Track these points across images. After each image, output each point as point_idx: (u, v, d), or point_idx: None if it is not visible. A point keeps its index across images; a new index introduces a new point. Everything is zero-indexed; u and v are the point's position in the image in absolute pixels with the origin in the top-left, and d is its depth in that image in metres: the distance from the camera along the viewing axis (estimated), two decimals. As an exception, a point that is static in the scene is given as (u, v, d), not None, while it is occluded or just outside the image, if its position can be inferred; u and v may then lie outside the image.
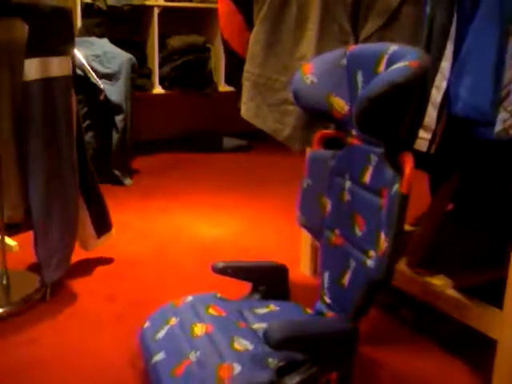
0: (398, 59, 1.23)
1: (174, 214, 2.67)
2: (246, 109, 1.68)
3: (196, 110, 3.99)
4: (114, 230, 2.10)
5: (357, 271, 1.36)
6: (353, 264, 1.37)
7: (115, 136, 2.98)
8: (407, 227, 1.96)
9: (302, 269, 2.09)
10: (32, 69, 1.64)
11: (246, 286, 1.59)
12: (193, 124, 3.99)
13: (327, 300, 1.48)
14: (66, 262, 1.84)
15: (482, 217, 1.82)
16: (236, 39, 1.77)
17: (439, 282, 1.60)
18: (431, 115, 1.45)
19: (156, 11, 3.40)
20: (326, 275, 1.49)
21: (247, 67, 1.67)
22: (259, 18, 1.64)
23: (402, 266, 1.72)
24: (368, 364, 1.54)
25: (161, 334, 1.42)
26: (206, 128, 3.95)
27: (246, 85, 1.67)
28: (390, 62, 1.26)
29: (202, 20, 3.75)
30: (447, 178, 1.74)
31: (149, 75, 3.48)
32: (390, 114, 1.22)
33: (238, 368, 1.23)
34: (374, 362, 1.55)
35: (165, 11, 3.46)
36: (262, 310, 1.48)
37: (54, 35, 1.68)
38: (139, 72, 3.23)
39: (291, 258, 1.67)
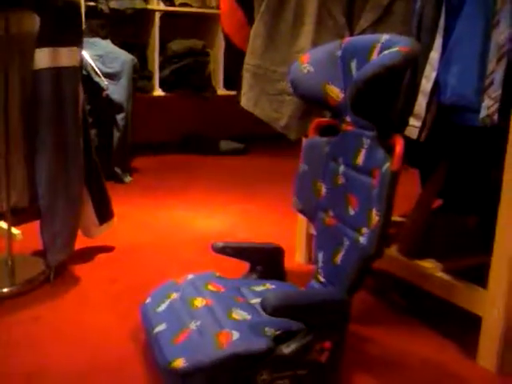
0: (389, 46, 1.32)
1: (172, 209, 2.74)
2: (246, 99, 1.76)
3: (194, 112, 4.07)
4: (115, 219, 2.17)
5: (349, 249, 1.43)
6: (346, 242, 1.45)
7: (116, 134, 3.06)
8: (398, 218, 2.04)
9: (297, 258, 2.16)
10: (42, 58, 1.72)
11: (243, 271, 1.67)
12: (191, 126, 4.08)
13: (321, 279, 1.55)
14: (70, 246, 1.91)
15: (470, 203, 1.90)
16: (237, 34, 1.86)
17: (429, 265, 1.67)
18: (421, 104, 1.53)
19: (157, 15, 3.50)
20: (320, 255, 1.56)
21: (247, 59, 1.75)
22: (260, 12, 1.73)
23: (393, 251, 1.79)
24: (359, 341, 1.60)
25: (162, 308, 1.49)
26: (204, 131, 4.03)
27: (246, 76, 1.75)
28: (383, 50, 1.34)
29: (201, 25, 3.85)
30: (436, 168, 1.82)
31: (149, 77, 3.57)
32: (381, 96, 1.31)
33: (236, 335, 1.30)
34: (364, 340, 1.62)
35: (166, 15, 3.56)
36: (258, 288, 1.56)
37: (64, 27, 1.76)
38: (140, 74, 3.31)
39: (286, 249, 1.75)
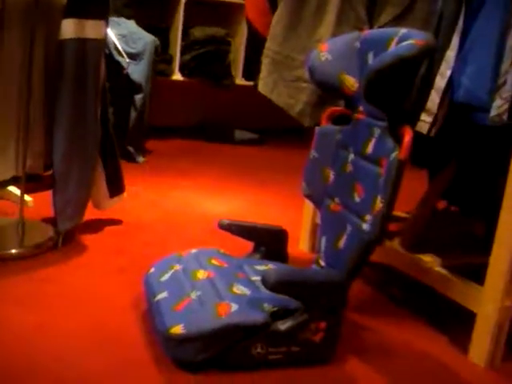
0: (406, 39, 1.35)
1: (182, 190, 2.78)
2: (264, 84, 1.79)
3: (212, 100, 4.11)
4: (126, 193, 2.21)
5: (352, 235, 1.46)
6: (349, 228, 1.48)
7: (133, 114, 3.10)
8: (402, 214, 2.07)
9: (300, 246, 2.20)
10: (68, 28, 1.76)
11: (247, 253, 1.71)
12: (207, 113, 4.12)
13: (322, 263, 1.59)
14: (80, 214, 1.95)
15: (477, 204, 1.93)
16: (259, 20, 1.90)
17: (428, 259, 1.70)
18: (434, 100, 1.56)
19: (183, 0, 3.54)
20: (324, 239, 1.60)
21: (268, 45, 1.79)
22: (283, 0, 1.77)
23: (394, 244, 1.83)
24: (354, 328, 1.64)
25: (165, 277, 1.53)
26: (220, 119, 4.07)
27: (265, 61, 1.79)
28: (399, 42, 1.37)
29: (225, 14, 3.89)
30: (444, 167, 1.85)
31: (169, 61, 3.61)
32: (394, 86, 1.34)
33: (235, 307, 1.34)
34: (359, 327, 1.65)
35: (191, 1, 3.59)
36: (260, 267, 1.59)
37: (91, 0, 1.80)
38: (161, 57, 3.36)
39: (291, 237, 1.80)
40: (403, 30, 1.40)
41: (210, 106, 4.12)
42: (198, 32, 3.61)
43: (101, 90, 1.94)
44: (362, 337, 1.61)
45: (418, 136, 1.54)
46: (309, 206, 2.16)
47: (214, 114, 4.10)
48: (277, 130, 4.29)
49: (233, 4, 3.77)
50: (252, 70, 3.76)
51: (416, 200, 1.95)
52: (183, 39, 3.62)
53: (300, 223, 2.23)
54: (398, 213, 2.07)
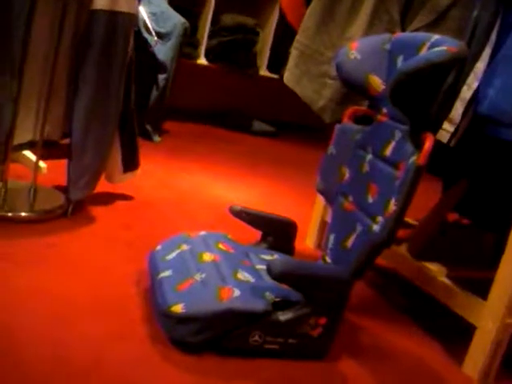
0: (438, 45, 1.35)
1: (195, 173, 2.79)
2: (290, 74, 1.80)
3: (233, 88, 4.10)
4: (139, 170, 2.22)
5: (361, 234, 1.46)
6: (359, 228, 1.48)
7: (155, 93, 3.10)
8: (411, 221, 2.06)
9: (307, 242, 2.20)
10: (101, -1, 1.77)
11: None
12: (227, 101, 4.11)
13: (328, 260, 1.59)
14: (92, 185, 1.96)
15: (489, 218, 1.92)
16: (293, 12, 1.90)
17: (434, 268, 1.70)
18: (458, 110, 1.56)
19: (216, -14, 3.55)
20: (332, 237, 1.59)
21: (298, 37, 1.79)
22: (318, -6, 1.77)
23: (401, 249, 1.82)
24: (352, 329, 1.64)
25: (171, 256, 1.54)
26: (239, 107, 4.07)
27: (294, 53, 1.79)
28: (430, 48, 1.37)
29: (257, 4, 3.87)
30: (459, 179, 1.85)
31: (196, 45, 3.61)
32: (420, 91, 1.34)
33: (237, 292, 1.35)
34: (357, 329, 1.65)
35: (224, -12, 3.60)
36: (266, 257, 1.60)
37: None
38: (188, 40, 3.35)
39: (299, 232, 1.80)
40: (436, 36, 1.40)
41: (232, 93, 4.12)
42: (227, 19, 3.61)
43: (127, 66, 1.94)
44: (359, 338, 1.61)
45: (437, 145, 1.54)
46: (320, 202, 2.16)
47: (235, 102, 4.10)
48: (294, 126, 4.28)
49: (266, -4, 3.77)
50: (277, 62, 3.76)
51: (428, 209, 1.95)
52: (212, 24, 3.62)
53: (309, 219, 2.23)
54: (408, 219, 2.07)
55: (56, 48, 1.84)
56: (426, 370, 1.53)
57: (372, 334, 1.65)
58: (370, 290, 1.93)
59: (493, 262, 1.61)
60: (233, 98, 4.12)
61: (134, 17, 1.88)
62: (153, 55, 3.02)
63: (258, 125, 3.93)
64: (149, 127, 3.15)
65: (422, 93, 1.35)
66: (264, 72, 3.90)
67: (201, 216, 2.26)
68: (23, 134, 1.95)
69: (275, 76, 3.86)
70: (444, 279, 1.66)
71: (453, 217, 2.08)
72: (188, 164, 2.93)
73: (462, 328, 1.57)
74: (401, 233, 1.91)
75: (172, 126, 3.59)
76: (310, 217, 2.23)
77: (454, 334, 1.73)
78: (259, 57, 3.85)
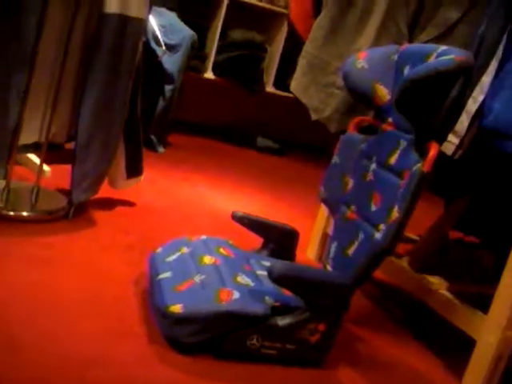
0: (445, 55, 1.35)
1: (197, 185, 2.79)
2: (297, 84, 1.80)
3: (239, 103, 4.12)
4: (142, 177, 2.22)
5: (363, 243, 1.46)
6: (361, 236, 1.48)
7: (161, 104, 3.12)
8: (412, 235, 2.06)
9: (308, 254, 2.19)
10: (113, 3, 1.78)
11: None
12: (233, 116, 4.13)
13: (329, 268, 1.58)
14: (95, 188, 1.96)
15: (491, 234, 1.91)
16: (301, 23, 1.91)
17: (435, 281, 1.69)
18: (463, 123, 1.56)
19: (226, 1, 3.57)
20: (334, 246, 1.59)
21: (306, 47, 1.81)
22: (328, 6, 1.78)
23: (402, 262, 1.81)
24: (351, 340, 1.62)
25: (171, 258, 1.53)
26: (245, 123, 4.08)
27: (302, 62, 1.80)
28: (438, 57, 1.38)
29: (266, 21, 3.91)
30: (462, 195, 1.84)
31: (203, 59, 3.63)
32: (426, 98, 1.34)
33: (236, 295, 1.34)
34: (356, 340, 1.63)
35: (233, 3, 3.62)
36: (267, 263, 1.59)
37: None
38: (196, 53, 3.37)
39: (299, 245, 1.80)
40: (443, 47, 1.41)
41: (237, 108, 4.14)
42: (236, 34, 3.64)
43: (135, 71, 1.95)
44: (356, 348, 1.59)
45: (439, 162, 1.53)
46: (322, 214, 2.15)
47: (240, 118, 4.12)
48: (298, 143, 4.29)
49: (274, 12, 3.79)
50: (284, 79, 3.78)
51: (429, 227, 1.94)
52: (220, 39, 3.65)
53: (309, 233, 2.22)
54: (409, 234, 2.06)
55: (65, 50, 1.85)
56: (424, 381, 1.51)
57: (370, 344, 1.63)
58: (368, 301, 1.91)
59: (493, 280, 1.60)
60: (238, 114, 4.13)
61: (144, 23, 1.90)
62: (160, 66, 3.04)
63: (262, 141, 3.94)
64: (153, 138, 3.16)
65: (427, 101, 1.35)
66: (270, 88, 3.93)
67: (202, 224, 2.26)
68: (29, 134, 1.95)
69: (282, 93, 3.88)
70: (445, 292, 1.65)
71: (456, 235, 2.08)
72: (191, 175, 2.93)
73: (461, 342, 1.56)
74: (401, 248, 1.91)
75: (176, 138, 3.60)
76: (311, 230, 2.22)
77: (453, 348, 1.71)
78: (266, 73, 3.88)
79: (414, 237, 2.05)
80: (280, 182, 3.32)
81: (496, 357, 1.45)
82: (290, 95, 3.76)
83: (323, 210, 2.12)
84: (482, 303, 1.54)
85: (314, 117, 1.89)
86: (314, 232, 2.19)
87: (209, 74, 3.68)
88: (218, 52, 3.67)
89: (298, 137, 4.26)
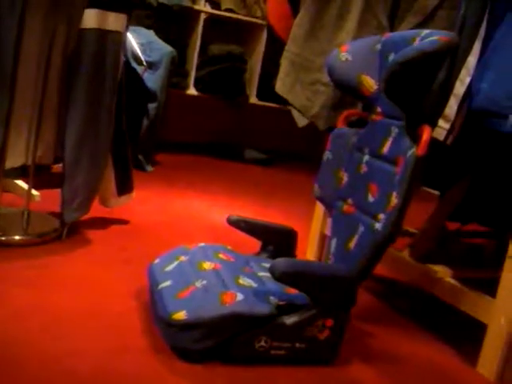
0: (429, 37, 1.34)
1: (189, 199, 2.76)
2: (282, 84, 1.79)
3: (224, 117, 4.11)
4: (134, 193, 2.19)
5: (364, 234, 1.43)
6: (361, 229, 1.46)
7: (145, 122, 3.10)
8: (412, 230, 2.04)
9: (308, 255, 2.16)
10: (90, 18, 1.77)
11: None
12: (218, 130, 4.12)
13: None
14: (87, 206, 1.93)
15: (490, 215, 1.90)
16: (280, 24, 1.91)
17: (440, 269, 1.67)
18: (452, 106, 1.55)
19: (202, 16, 3.57)
20: (334, 241, 1.56)
21: (288, 47, 1.80)
22: (306, 3, 1.78)
23: (403, 255, 1.79)
24: (360, 335, 1.59)
25: (170, 267, 1.50)
26: (230, 136, 4.07)
27: (284, 63, 1.79)
28: (422, 40, 1.37)
29: (244, 32, 3.92)
30: (458, 180, 1.83)
31: (185, 75, 3.63)
32: (415, 82, 1.33)
33: (240, 296, 1.31)
34: (364, 335, 1.60)
35: (210, 18, 3.63)
36: (267, 265, 1.55)
37: (113, -8, 1.82)
38: (176, 70, 3.37)
39: (298, 248, 1.78)
40: (426, 30, 1.40)
41: (222, 122, 4.13)
42: (215, 49, 3.64)
43: (117, 85, 1.93)
44: (366, 343, 1.56)
45: (430, 156, 1.51)
46: (319, 215, 2.12)
47: (226, 131, 4.11)
48: (285, 153, 4.28)
49: (252, 23, 3.81)
50: (266, 90, 3.77)
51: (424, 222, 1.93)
52: (200, 55, 3.65)
53: (307, 236, 2.19)
54: (407, 228, 2.04)
55: (46, 70, 1.83)
56: (439, 372, 1.48)
57: (380, 339, 1.60)
58: (372, 297, 1.89)
59: (495, 263, 1.58)
60: (223, 127, 4.13)
61: (122, 36, 1.88)
62: (142, 84, 3.02)
63: (249, 153, 3.93)
64: (140, 157, 3.13)
65: (416, 84, 1.34)
66: (254, 100, 3.92)
67: (198, 237, 2.22)
68: (15, 158, 1.92)
69: (265, 104, 3.88)
70: (451, 280, 1.62)
71: (455, 226, 2.06)
72: (182, 191, 2.90)
73: (469, 329, 1.53)
74: (400, 242, 1.89)
75: (164, 157, 3.58)
76: (307, 233, 2.19)
77: (462, 336, 1.68)
78: (248, 85, 3.88)
79: (413, 230, 2.03)
80: (271, 191, 3.30)
81: (509, 338, 1.43)
82: (274, 105, 3.80)
83: (319, 210, 2.10)
84: (489, 288, 1.52)
85: (300, 123, 1.88)
86: (311, 233, 2.16)
87: (191, 91, 3.68)
88: (199, 67, 3.67)
89: (284, 146, 4.25)
